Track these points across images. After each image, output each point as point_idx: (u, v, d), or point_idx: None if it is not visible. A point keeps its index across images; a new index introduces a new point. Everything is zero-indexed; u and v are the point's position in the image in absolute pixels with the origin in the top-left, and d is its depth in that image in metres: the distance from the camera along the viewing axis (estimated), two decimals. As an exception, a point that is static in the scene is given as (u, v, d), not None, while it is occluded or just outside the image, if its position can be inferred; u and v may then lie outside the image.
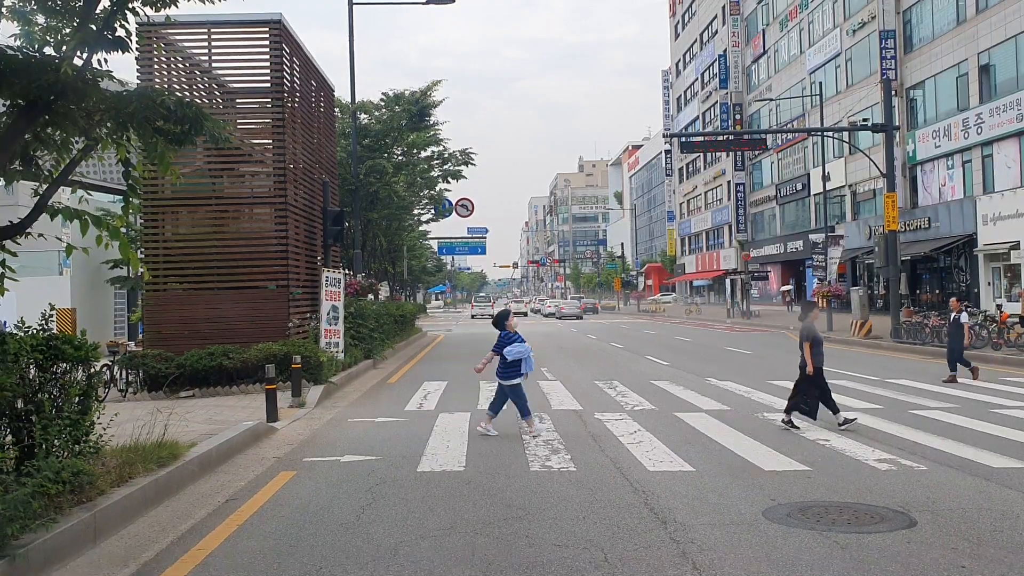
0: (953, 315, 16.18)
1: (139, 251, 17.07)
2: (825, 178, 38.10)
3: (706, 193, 73.07)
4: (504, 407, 10.52)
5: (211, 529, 6.35)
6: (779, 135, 52.09)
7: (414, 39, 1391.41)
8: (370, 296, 25.43)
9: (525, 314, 74.07)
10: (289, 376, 13.47)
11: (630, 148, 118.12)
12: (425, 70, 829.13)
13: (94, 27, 6.68)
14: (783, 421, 10.66)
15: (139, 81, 15.66)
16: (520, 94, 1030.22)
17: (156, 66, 16.38)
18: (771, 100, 54.39)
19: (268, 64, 16.76)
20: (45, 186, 7.06)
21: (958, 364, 15.72)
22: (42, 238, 7.16)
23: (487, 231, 55.85)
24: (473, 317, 70.92)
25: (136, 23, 7.01)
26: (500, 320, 10.64)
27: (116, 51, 6.68)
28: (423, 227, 54.36)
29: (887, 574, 5.14)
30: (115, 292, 25.64)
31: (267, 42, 16.73)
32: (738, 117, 62.16)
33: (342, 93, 28.58)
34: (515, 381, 10.22)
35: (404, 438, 10.22)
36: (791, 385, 15.11)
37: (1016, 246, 30.27)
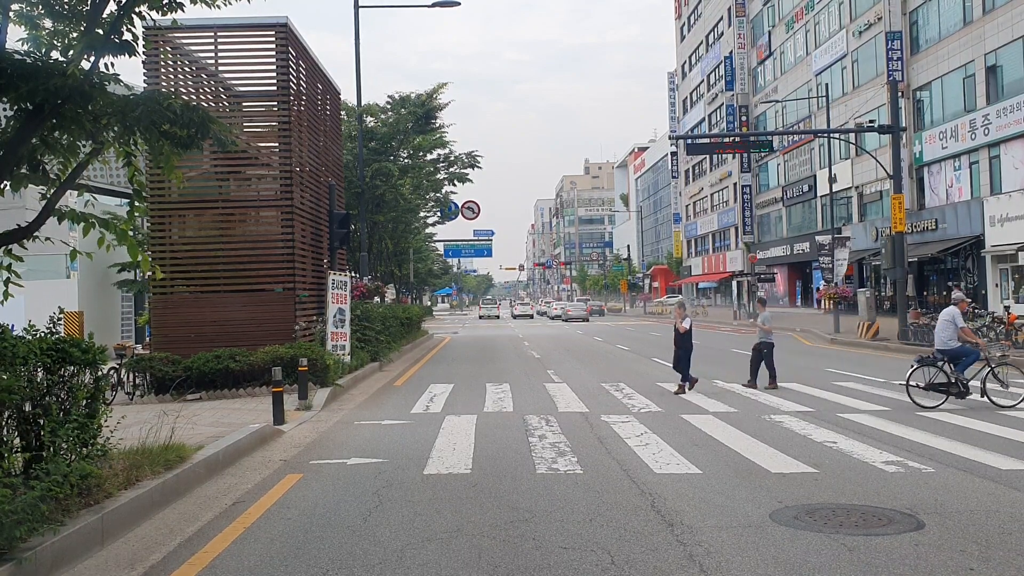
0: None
1: (146, 254, 17.10)
2: (832, 180, 38.01)
3: (712, 195, 72.96)
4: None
5: (218, 532, 6.36)
6: (785, 137, 51.99)
7: (413, 42, 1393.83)
8: (376, 299, 25.46)
9: (531, 316, 74.15)
10: (296, 379, 13.49)
11: (636, 150, 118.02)
12: (425, 73, 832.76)
13: (101, 31, 6.70)
14: None
15: (145, 85, 15.70)
16: (522, 97, 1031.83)
17: (162, 69, 16.44)
18: (777, 102, 54.32)
19: (274, 67, 16.79)
20: (52, 190, 7.08)
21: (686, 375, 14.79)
22: (49, 242, 7.18)
23: (493, 233, 55.88)
24: (481, 318, 71.15)
25: (142, 27, 7.02)
26: None
27: (123, 55, 6.69)
28: (429, 230, 54.34)
29: (895, 577, 5.12)
30: (122, 295, 25.70)
31: (273, 45, 16.76)
32: (744, 119, 62.06)
33: (347, 96, 28.68)
34: None
35: (410, 441, 10.23)
36: (797, 387, 15.22)
37: (1024, 247, 30.16)
